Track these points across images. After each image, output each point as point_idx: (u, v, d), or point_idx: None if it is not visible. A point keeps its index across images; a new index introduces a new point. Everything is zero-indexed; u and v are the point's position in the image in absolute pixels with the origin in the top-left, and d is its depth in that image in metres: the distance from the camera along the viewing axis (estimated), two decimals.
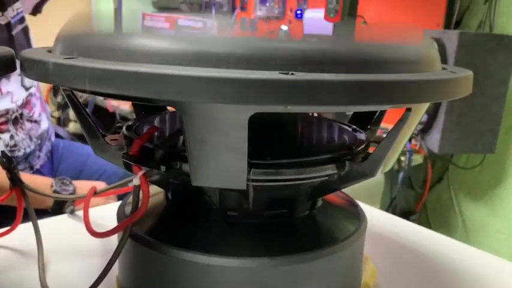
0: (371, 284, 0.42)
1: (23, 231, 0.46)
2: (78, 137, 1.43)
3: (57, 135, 1.20)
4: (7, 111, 0.91)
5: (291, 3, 1.61)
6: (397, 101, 0.24)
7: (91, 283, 0.33)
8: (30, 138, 0.97)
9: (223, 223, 0.35)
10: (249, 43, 0.25)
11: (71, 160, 1.12)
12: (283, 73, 0.23)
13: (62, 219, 0.56)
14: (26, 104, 0.96)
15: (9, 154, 0.89)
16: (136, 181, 0.32)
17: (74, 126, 1.77)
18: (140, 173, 0.32)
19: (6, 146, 0.90)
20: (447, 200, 1.34)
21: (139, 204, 0.33)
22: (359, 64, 0.25)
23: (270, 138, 0.34)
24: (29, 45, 1.03)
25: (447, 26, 1.20)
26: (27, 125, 0.96)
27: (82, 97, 1.64)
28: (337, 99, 0.23)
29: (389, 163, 0.33)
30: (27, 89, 0.98)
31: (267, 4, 1.65)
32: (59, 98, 1.70)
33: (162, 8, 1.91)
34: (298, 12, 1.56)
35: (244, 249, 0.32)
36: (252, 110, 0.24)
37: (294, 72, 0.23)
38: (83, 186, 0.87)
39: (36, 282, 0.41)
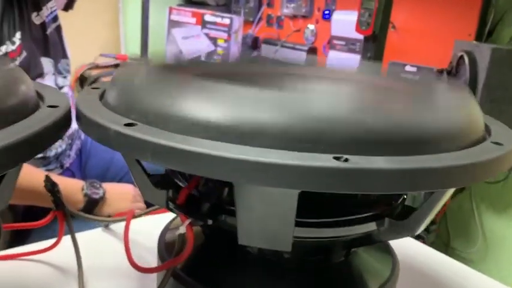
0: None
1: (61, 248, 0.48)
2: None
3: None
4: None
5: (319, 3, 1.60)
6: (447, 185, 0.25)
7: None
8: (62, 138, 0.99)
9: (261, 268, 0.36)
10: (303, 122, 0.25)
11: (98, 157, 1.14)
12: (336, 158, 0.24)
13: (97, 233, 0.58)
14: None
15: (41, 154, 0.91)
16: (182, 229, 0.33)
17: None
18: (186, 222, 0.33)
19: None
20: (468, 211, 1.34)
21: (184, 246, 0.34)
22: (408, 145, 0.26)
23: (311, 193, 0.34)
24: (61, 43, 1.05)
25: (479, 36, 1.18)
26: None
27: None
28: (389, 187, 0.24)
29: (428, 221, 0.34)
30: (60, 88, 1.00)
31: (295, 2, 1.64)
32: None
33: (189, 2, 1.92)
34: (326, 12, 1.54)
35: None
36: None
37: (347, 158, 0.24)
38: (112, 189, 0.89)
39: None
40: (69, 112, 0.31)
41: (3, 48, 0.84)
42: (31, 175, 0.84)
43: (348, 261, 0.38)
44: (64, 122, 0.29)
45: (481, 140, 0.30)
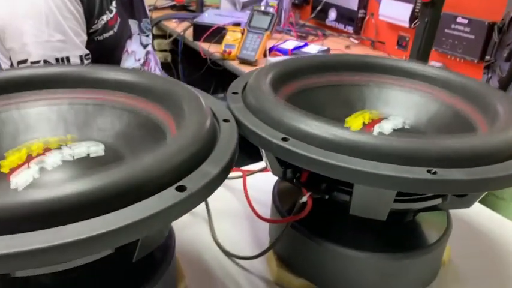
0: (446, 260, 0.59)
1: None
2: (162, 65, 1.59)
3: None
4: None
5: None
6: (500, 187, 0.38)
7: (249, 242, 0.52)
8: None
9: (357, 224, 0.51)
10: (403, 146, 0.38)
11: None
12: (429, 171, 0.37)
13: None
14: (145, 62, 1.12)
15: None
16: (304, 199, 0.48)
17: (158, 55, 1.94)
18: (308, 195, 0.48)
19: None
20: None
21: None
22: (478, 159, 0.39)
23: None
24: (142, 3, 1.16)
25: None
26: None
27: (172, 35, 1.77)
28: (462, 190, 0.37)
29: (481, 197, 0.47)
30: (145, 46, 1.13)
31: None
32: None
33: None
34: None
35: (370, 245, 0.48)
36: None
37: (436, 170, 0.37)
38: None
39: (209, 239, 0.60)
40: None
41: (104, 18, 0.97)
42: None
43: (416, 219, 0.53)
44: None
45: None
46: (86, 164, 0.41)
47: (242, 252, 0.58)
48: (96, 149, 0.43)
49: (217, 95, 2.01)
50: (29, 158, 0.41)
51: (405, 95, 0.59)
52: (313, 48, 1.53)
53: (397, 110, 0.58)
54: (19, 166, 0.40)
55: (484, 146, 0.40)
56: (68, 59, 0.85)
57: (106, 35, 0.97)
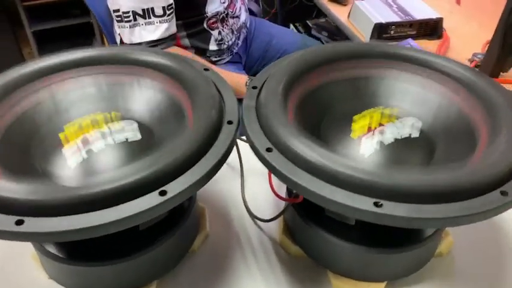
0: (445, 252, 0.63)
1: None
2: None
3: (250, 12, 1.41)
4: (217, 13, 1.14)
5: None
6: (443, 226, 0.42)
7: (271, 204, 0.64)
8: (232, 32, 1.21)
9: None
10: (360, 177, 0.43)
11: (259, 40, 1.35)
12: (376, 203, 0.42)
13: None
14: (230, 4, 1.17)
15: (217, 47, 1.15)
16: None
17: None
18: None
19: (215, 40, 1.17)
20: None
21: None
22: (424, 198, 0.42)
23: None
24: None
25: None
26: (230, 21, 1.19)
27: None
28: (404, 224, 0.42)
29: None
30: None
31: None
32: None
33: None
34: None
35: (347, 236, 0.55)
36: None
37: (382, 203, 0.42)
38: None
39: (237, 194, 0.71)
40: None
41: None
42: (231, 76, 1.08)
43: None
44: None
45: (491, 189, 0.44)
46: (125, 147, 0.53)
47: (262, 211, 0.68)
48: (133, 134, 0.54)
49: (319, 20, 1.99)
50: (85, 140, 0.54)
51: (424, 93, 0.59)
52: None
53: (414, 108, 0.59)
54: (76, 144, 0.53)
55: (437, 186, 0.43)
56: (152, 9, 0.95)
57: None
